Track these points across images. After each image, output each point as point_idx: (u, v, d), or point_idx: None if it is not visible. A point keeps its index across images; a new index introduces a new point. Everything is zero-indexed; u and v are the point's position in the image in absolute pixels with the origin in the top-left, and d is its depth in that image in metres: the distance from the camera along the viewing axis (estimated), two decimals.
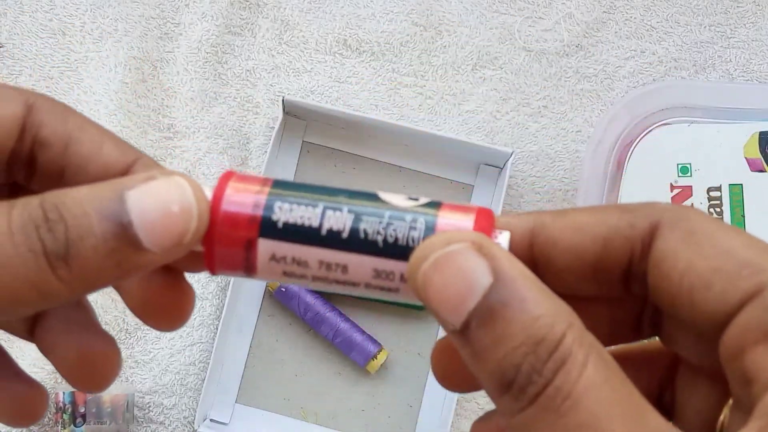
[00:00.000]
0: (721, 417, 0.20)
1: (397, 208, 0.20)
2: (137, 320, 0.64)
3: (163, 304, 0.23)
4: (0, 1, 0.62)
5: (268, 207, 0.20)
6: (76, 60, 0.62)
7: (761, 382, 0.17)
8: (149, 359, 0.59)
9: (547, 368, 0.17)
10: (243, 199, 0.20)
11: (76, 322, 0.24)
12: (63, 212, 0.18)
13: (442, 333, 0.60)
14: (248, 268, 0.21)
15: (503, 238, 0.20)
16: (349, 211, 0.20)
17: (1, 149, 0.21)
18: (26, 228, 0.18)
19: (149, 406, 0.58)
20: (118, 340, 0.58)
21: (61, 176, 0.22)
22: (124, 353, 0.58)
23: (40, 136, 0.21)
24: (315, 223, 0.20)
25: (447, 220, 0.20)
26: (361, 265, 0.20)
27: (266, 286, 0.60)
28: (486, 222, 0.20)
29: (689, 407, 0.21)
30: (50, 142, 0.22)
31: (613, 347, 0.20)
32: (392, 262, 0.20)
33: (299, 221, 0.20)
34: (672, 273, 0.19)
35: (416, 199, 0.20)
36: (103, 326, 0.60)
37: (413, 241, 0.20)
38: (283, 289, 0.59)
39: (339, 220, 0.20)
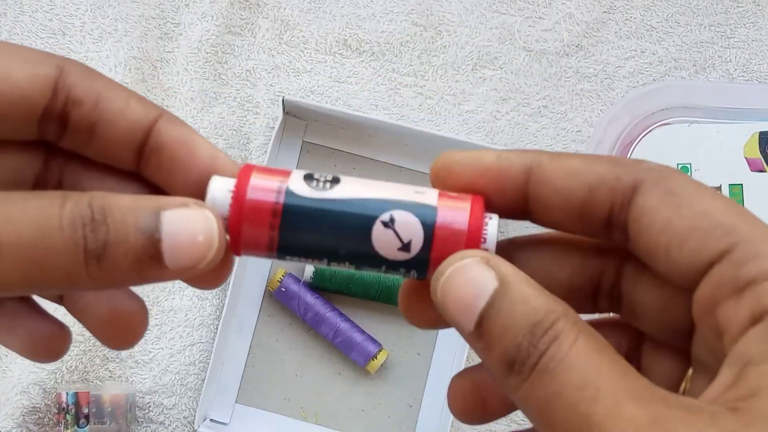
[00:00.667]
0: (682, 386, 0.22)
1: (391, 261, 0.22)
2: None
3: (118, 324, 0.25)
4: (0, 1, 0.62)
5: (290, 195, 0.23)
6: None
7: (731, 332, 0.19)
8: (149, 359, 0.59)
9: (542, 342, 0.19)
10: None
11: None
12: (107, 216, 0.21)
13: (442, 333, 0.60)
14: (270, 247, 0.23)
15: (493, 224, 0.22)
16: (350, 265, 0.23)
17: (35, 107, 0.23)
18: (75, 223, 0.20)
19: (149, 406, 0.58)
20: None
21: (91, 133, 0.24)
22: (124, 353, 0.58)
23: (73, 95, 0.24)
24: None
25: (445, 212, 0.22)
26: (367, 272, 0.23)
27: (266, 287, 0.60)
28: (479, 212, 0.22)
29: (653, 374, 0.23)
30: (82, 100, 0.24)
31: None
32: (395, 273, 0.23)
33: (306, 239, 0.23)
34: (650, 228, 0.21)
35: (422, 193, 0.22)
36: None
37: (414, 258, 0.22)
38: (283, 290, 0.59)
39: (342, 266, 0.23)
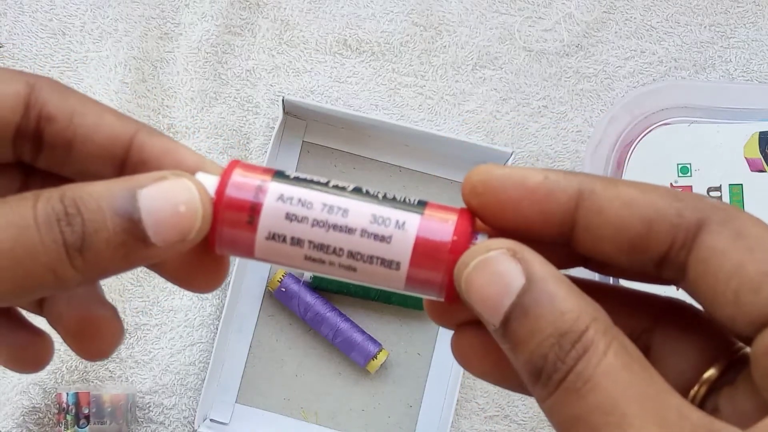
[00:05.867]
0: (695, 389, 0.21)
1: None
2: (137, 320, 0.64)
3: (89, 332, 0.25)
4: (0, 1, 0.62)
5: (280, 172, 0.23)
6: (76, 60, 0.62)
7: None
8: (149, 359, 0.59)
9: (570, 356, 0.18)
10: (252, 173, 0.23)
11: (79, 293, 0.26)
12: (80, 207, 0.20)
13: (441, 333, 0.60)
14: (253, 208, 0.22)
15: (482, 239, 0.21)
16: (354, 188, 0.23)
17: (6, 125, 0.22)
18: (49, 220, 0.20)
19: (149, 406, 0.58)
20: None
21: (68, 150, 0.23)
22: (124, 353, 0.58)
23: (45, 111, 0.23)
24: (323, 180, 0.23)
25: (429, 221, 0.22)
26: (360, 210, 0.22)
27: (266, 287, 0.60)
28: (465, 226, 0.21)
29: (663, 364, 0.22)
30: (55, 116, 0.23)
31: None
32: (389, 210, 0.22)
33: (309, 177, 0.23)
34: (719, 272, 0.19)
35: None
36: None
37: (409, 200, 0.22)
38: (283, 289, 0.59)
39: (343, 183, 0.23)
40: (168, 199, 0.20)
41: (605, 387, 0.18)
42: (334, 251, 0.22)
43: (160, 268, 0.24)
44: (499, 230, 0.21)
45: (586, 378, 0.18)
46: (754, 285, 0.19)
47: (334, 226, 0.22)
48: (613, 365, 0.18)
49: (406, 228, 0.21)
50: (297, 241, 0.22)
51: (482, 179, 0.21)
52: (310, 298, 0.59)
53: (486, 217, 0.21)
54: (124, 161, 0.23)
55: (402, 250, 0.21)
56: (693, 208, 0.20)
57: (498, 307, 0.19)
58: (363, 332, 0.59)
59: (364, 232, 0.21)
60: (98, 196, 0.20)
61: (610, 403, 0.18)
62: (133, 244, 0.20)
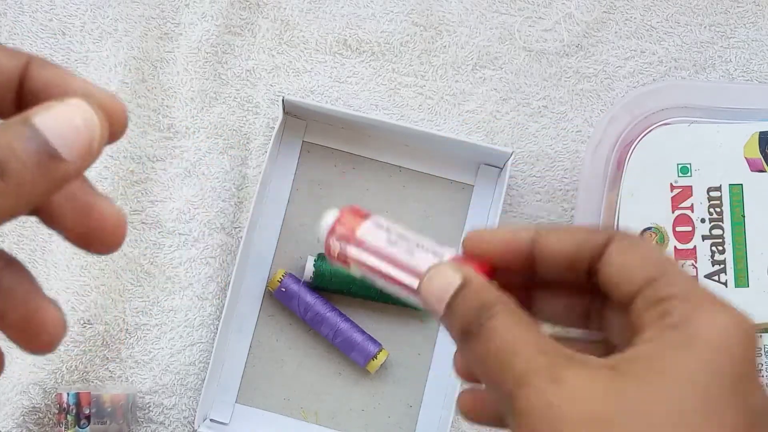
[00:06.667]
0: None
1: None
2: (137, 320, 0.64)
3: (31, 326, 0.26)
4: (0, 1, 0.62)
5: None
6: (76, 60, 0.62)
7: (642, 322, 0.28)
8: (149, 359, 0.59)
9: (484, 318, 0.28)
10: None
11: (20, 288, 0.27)
12: None
13: (441, 333, 0.60)
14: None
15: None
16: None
17: None
18: None
19: (149, 406, 0.58)
20: (117, 340, 0.58)
21: None
22: (124, 353, 0.58)
23: None
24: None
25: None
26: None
27: (266, 287, 0.60)
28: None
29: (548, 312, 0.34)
30: None
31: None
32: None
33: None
34: (612, 267, 0.29)
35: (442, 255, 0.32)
36: (103, 326, 0.60)
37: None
38: (283, 289, 0.59)
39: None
40: (62, 117, 0.24)
41: (504, 333, 0.28)
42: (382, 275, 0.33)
43: (62, 227, 0.27)
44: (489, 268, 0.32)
45: (493, 329, 0.28)
46: (627, 274, 0.29)
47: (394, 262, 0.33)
48: (510, 322, 0.28)
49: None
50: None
51: (475, 240, 0.32)
52: (310, 298, 0.59)
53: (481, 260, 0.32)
54: (20, 94, 0.26)
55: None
56: (604, 233, 0.30)
57: (442, 298, 0.30)
58: (363, 332, 0.59)
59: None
60: (2, 132, 0.23)
61: (508, 340, 0.27)
62: (48, 163, 0.23)
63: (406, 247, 0.34)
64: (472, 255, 0.32)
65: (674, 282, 0.28)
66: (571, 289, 0.32)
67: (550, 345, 0.27)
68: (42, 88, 0.26)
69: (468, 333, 0.28)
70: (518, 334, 0.27)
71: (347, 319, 0.59)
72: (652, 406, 0.25)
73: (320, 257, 0.59)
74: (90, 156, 0.24)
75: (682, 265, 0.32)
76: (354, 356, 0.59)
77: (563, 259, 0.30)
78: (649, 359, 0.26)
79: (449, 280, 0.30)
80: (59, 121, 0.24)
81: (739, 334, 0.27)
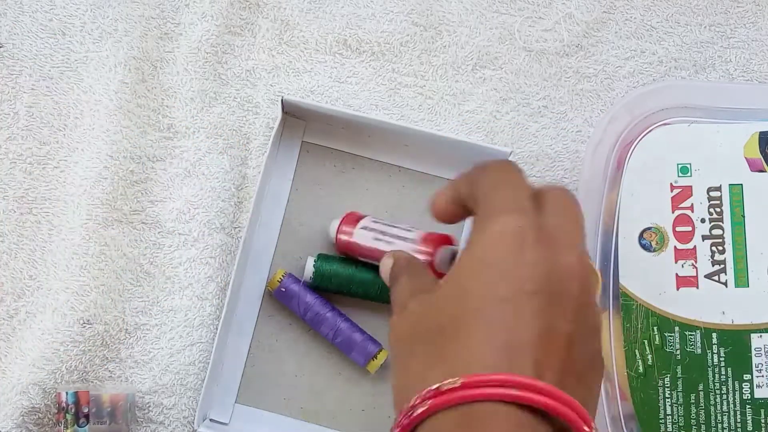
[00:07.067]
0: None
1: None
2: (137, 320, 0.64)
3: None
4: (0, 1, 0.62)
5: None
6: (76, 60, 0.62)
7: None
8: (149, 359, 0.59)
9: (416, 292, 0.40)
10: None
11: None
12: None
13: None
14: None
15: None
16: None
17: None
18: None
19: (149, 406, 0.58)
20: (117, 340, 0.58)
21: None
22: (123, 353, 0.58)
23: None
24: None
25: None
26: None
27: (266, 287, 0.60)
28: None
29: None
30: None
31: None
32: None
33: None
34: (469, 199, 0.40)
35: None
36: (103, 326, 0.60)
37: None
38: (283, 289, 0.59)
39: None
40: None
41: (398, 285, 0.42)
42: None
43: None
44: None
45: (398, 288, 0.42)
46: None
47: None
48: (404, 279, 0.42)
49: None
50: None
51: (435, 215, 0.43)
52: (309, 298, 0.59)
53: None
54: None
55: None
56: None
57: (387, 275, 0.44)
58: (363, 332, 0.59)
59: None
60: None
61: (402, 290, 0.41)
62: None
63: (387, 241, 0.56)
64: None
65: (481, 198, 0.39)
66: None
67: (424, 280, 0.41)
68: None
69: (404, 305, 0.39)
70: (405, 282, 0.41)
71: (347, 319, 0.59)
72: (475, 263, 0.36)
73: (320, 257, 0.59)
74: None
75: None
76: (354, 356, 0.59)
77: (455, 206, 0.42)
78: (472, 240, 0.37)
79: (387, 263, 0.45)
80: None
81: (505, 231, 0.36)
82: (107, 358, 0.58)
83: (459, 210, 0.41)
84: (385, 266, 0.44)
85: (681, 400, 0.55)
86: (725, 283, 0.56)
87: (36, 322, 0.59)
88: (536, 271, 0.34)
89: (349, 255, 0.59)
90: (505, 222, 0.35)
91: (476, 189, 0.39)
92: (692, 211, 0.56)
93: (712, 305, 0.55)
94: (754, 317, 0.55)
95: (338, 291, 0.59)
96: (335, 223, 0.59)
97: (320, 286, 0.59)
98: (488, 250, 0.35)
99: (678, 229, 0.56)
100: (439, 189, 0.42)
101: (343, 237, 0.58)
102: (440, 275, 0.38)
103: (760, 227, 0.56)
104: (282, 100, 0.58)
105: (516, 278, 0.34)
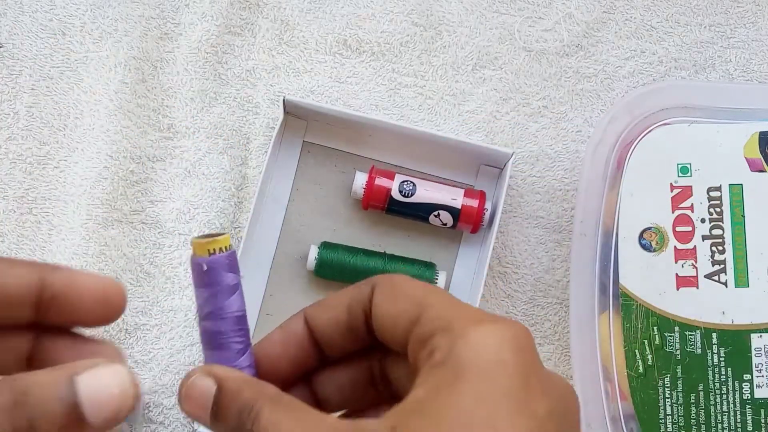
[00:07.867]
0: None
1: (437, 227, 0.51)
2: (137, 320, 0.64)
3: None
4: (0, 1, 0.62)
5: None
6: (76, 60, 0.62)
7: (418, 366, 0.27)
8: (149, 359, 0.59)
9: (250, 422, 0.27)
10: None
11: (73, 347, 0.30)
12: (29, 396, 0.24)
13: None
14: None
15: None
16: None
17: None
18: (2, 413, 0.23)
19: (149, 406, 0.58)
20: (117, 341, 0.58)
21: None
22: (123, 353, 0.58)
23: None
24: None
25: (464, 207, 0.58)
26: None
27: (266, 287, 0.60)
28: (481, 202, 0.55)
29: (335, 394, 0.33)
30: None
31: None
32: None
33: None
34: (378, 318, 0.29)
35: (455, 198, 0.53)
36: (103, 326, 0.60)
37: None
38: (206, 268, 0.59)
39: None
40: (103, 384, 0.25)
41: (271, 429, 0.26)
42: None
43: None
44: None
45: (263, 429, 0.26)
46: (392, 318, 0.29)
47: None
48: (275, 415, 0.26)
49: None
50: None
51: (261, 356, 0.33)
52: (234, 297, 0.58)
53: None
54: (38, 302, 0.28)
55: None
56: (367, 284, 0.30)
57: (205, 409, 0.28)
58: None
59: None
60: (44, 385, 0.24)
61: None
62: (73, 426, 0.24)
63: (435, 189, 0.58)
64: (264, 372, 0.31)
65: (435, 315, 0.27)
66: (354, 360, 0.32)
67: (323, 422, 0.26)
68: (59, 293, 0.28)
69: None
70: (288, 425, 0.26)
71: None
72: None
73: (324, 245, 0.59)
74: (114, 422, 0.25)
75: (447, 289, 0.32)
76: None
77: (339, 327, 0.31)
78: (423, 407, 0.25)
79: (204, 389, 0.28)
80: (98, 385, 0.25)
81: (505, 345, 0.26)
82: None
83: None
84: (198, 393, 0.29)
85: (681, 400, 0.55)
86: (725, 283, 0.56)
87: None
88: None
89: (378, 207, 0.59)
90: (494, 330, 0.28)
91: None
92: (692, 211, 0.56)
93: (712, 305, 0.55)
94: (754, 317, 0.55)
95: (340, 280, 0.59)
96: (362, 176, 0.58)
97: (323, 275, 0.59)
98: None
99: (678, 229, 0.56)
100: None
101: (383, 182, 0.58)
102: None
103: (760, 227, 0.56)
104: (283, 100, 0.58)
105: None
